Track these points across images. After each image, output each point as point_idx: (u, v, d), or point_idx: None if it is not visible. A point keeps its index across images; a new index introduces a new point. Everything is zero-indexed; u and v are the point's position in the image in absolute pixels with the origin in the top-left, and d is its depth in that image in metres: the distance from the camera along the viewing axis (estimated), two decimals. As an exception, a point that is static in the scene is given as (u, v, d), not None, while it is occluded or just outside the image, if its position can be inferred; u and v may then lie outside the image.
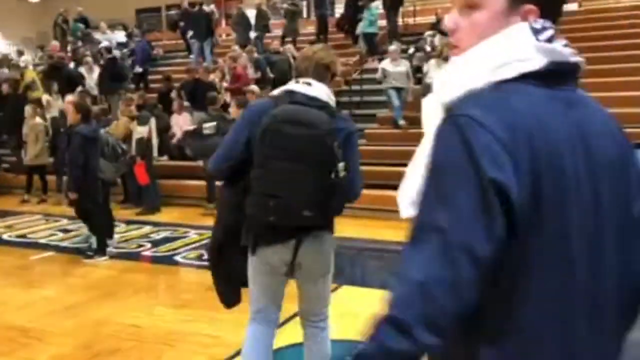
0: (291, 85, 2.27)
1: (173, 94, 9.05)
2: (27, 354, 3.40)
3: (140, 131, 7.33)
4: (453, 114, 0.87)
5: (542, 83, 0.90)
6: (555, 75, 0.91)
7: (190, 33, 12.15)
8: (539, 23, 0.92)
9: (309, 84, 2.25)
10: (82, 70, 10.43)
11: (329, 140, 2.12)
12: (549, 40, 0.91)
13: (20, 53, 13.36)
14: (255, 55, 10.01)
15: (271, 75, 9.46)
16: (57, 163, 7.88)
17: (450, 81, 0.93)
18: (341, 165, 2.15)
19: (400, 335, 0.80)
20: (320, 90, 2.25)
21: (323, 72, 2.32)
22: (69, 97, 6.64)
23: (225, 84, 9.30)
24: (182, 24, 12.74)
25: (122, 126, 7.54)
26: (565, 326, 0.89)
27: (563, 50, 0.92)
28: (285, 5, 12.38)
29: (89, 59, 10.73)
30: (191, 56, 12.04)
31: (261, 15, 11.98)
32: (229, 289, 2.45)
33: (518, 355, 0.88)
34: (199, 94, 8.30)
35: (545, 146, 0.85)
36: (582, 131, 0.91)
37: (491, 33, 0.92)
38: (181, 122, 8.30)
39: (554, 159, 0.86)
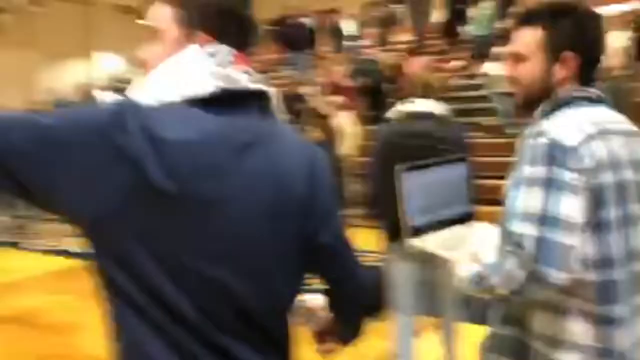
0: (398, 106, 2.74)
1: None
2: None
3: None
4: (114, 103, 0.91)
5: (211, 108, 0.93)
6: (227, 101, 0.95)
7: (288, 47, 12.13)
8: (212, 47, 0.98)
9: (412, 102, 2.69)
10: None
11: (439, 146, 2.48)
12: (223, 65, 0.97)
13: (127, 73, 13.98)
14: (350, 64, 9.75)
15: (366, 84, 9.13)
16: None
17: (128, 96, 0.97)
18: None
19: None
20: (425, 105, 2.67)
21: (424, 90, 2.72)
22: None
23: (320, 95, 9.06)
24: (279, 37, 12.75)
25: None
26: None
27: (238, 76, 0.97)
28: (379, 14, 12.15)
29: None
30: (289, 70, 11.99)
31: (356, 25, 11.75)
32: None
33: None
34: (290, 107, 8.10)
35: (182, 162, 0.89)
36: (244, 162, 0.95)
37: (171, 57, 1.00)
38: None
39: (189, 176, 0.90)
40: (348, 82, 9.10)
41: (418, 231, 1.56)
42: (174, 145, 0.88)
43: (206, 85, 0.94)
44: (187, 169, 0.89)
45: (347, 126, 7.16)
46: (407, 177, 1.57)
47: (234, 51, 1.00)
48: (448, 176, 1.69)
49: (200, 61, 0.97)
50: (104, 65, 16.06)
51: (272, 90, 1.03)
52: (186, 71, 0.95)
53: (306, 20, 12.20)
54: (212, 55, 0.98)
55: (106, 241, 0.91)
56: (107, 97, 0.97)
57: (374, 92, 9.03)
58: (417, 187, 1.59)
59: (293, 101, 8.65)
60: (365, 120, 8.12)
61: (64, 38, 14.86)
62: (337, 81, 8.90)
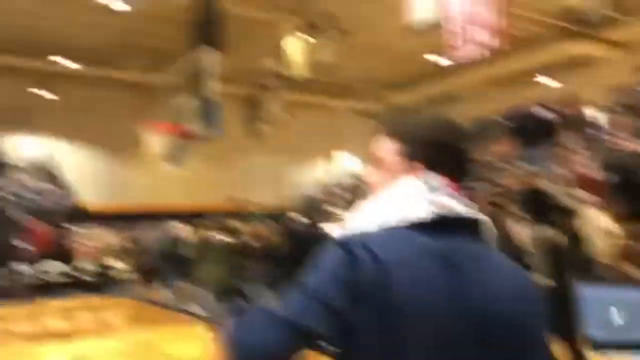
0: None
1: (506, 203, 8.51)
2: None
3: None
4: (342, 242, 1.06)
5: (426, 232, 1.04)
6: (442, 226, 1.05)
7: (524, 139, 11.69)
8: (428, 176, 1.10)
9: None
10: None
11: None
12: (438, 193, 1.07)
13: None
14: (598, 156, 8.92)
15: (620, 178, 8.20)
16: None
17: (354, 220, 1.11)
18: None
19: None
20: None
21: None
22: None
23: (570, 191, 8.39)
24: (515, 130, 12.39)
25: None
26: None
27: (451, 203, 1.07)
28: (628, 99, 11.24)
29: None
30: (525, 164, 11.46)
31: (601, 113, 10.89)
32: None
33: None
34: (536, 204, 7.59)
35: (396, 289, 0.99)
36: (456, 283, 1.02)
37: (392, 183, 1.13)
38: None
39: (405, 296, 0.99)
40: (597, 176, 8.28)
41: (599, 346, 1.53)
42: (395, 267, 1.00)
43: (423, 211, 1.05)
44: (407, 288, 0.99)
45: (599, 225, 6.36)
46: (589, 289, 1.55)
47: (447, 179, 1.11)
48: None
49: (417, 189, 1.08)
50: (343, 164, 17.25)
51: (482, 216, 1.11)
52: (404, 198, 1.08)
53: (543, 111, 11.67)
54: (427, 183, 1.09)
55: (343, 349, 1.04)
56: (334, 231, 1.11)
57: (631, 186, 8.03)
58: (600, 301, 1.54)
59: (532, 197, 8.10)
60: (623, 218, 7.15)
61: (310, 140, 16.44)
62: (584, 175, 8.17)
